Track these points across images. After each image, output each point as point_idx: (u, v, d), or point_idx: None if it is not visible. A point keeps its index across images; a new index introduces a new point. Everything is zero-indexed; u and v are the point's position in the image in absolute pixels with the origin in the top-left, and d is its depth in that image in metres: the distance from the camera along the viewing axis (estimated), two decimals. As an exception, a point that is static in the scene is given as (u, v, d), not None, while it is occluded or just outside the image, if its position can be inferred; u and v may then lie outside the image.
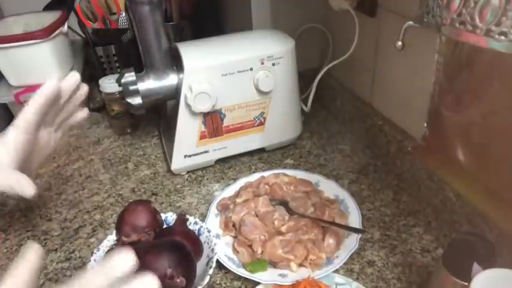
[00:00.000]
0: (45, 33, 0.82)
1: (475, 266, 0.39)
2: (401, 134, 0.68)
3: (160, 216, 0.54)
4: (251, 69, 0.69)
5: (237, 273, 0.54)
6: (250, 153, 0.79)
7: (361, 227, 0.59)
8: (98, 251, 0.52)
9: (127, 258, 0.39)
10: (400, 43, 0.43)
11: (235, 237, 0.60)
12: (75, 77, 0.58)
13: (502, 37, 0.29)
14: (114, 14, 1.07)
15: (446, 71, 0.56)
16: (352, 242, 0.56)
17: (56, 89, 0.54)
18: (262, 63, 0.69)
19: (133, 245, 0.49)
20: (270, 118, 0.75)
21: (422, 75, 0.61)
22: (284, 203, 0.63)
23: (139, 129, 0.92)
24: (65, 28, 0.90)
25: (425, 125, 0.63)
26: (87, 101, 0.99)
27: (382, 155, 0.74)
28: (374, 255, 0.57)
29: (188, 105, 0.67)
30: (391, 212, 0.64)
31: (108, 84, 0.84)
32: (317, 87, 0.82)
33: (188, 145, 0.72)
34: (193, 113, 0.69)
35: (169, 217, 0.57)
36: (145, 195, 0.72)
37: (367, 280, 0.54)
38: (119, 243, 0.49)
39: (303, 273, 0.53)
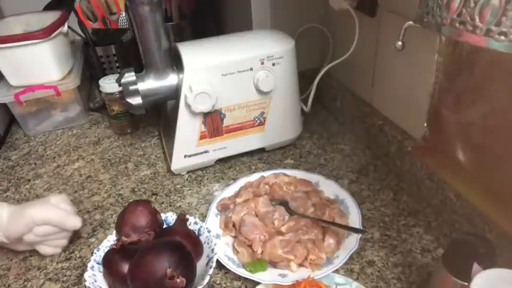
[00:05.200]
0: (45, 33, 0.82)
1: (475, 266, 0.39)
2: (401, 134, 0.68)
3: (160, 216, 0.54)
4: (251, 69, 0.69)
5: (237, 273, 0.54)
6: (250, 153, 0.79)
7: (361, 227, 0.59)
8: (98, 251, 0.52)
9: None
10: (400, 43, 0.43)
11: (235, 237, 0.60)
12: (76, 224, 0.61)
13: (502, 37, 0.30)
14: (114, 14, 1.07)
15: (446, 71, 0.56)
16: (352, 242, 0.56)
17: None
18: (262, 63, 0.69)
19: (134, 245, 0.49)
20: (270, 118, 0.75)
21: (422, 75, 0.61)
22: (284, 203, 0.63)
23: (139, 129, 0.92)
24: (65, 28, 0.90)
25: (425, 125, 0.63)
26: (87, 101, 1.00)
27: (382, 155, 0.74)
28: (374, 255, 0.57)
29: (188, 105, 0.67)
30: (391, 212, 0.64)
31: (108, 84, 0.84)
32: (317, 87, 0.82)
33: (188, 145, 0.72)
34: (193, 113, 0.69)
35: (169, 217, 0.57)
36: (146, 195, 0.72)
37: (367, 280, 0.54)
38: (119, 243, 0.49)
39: (303, 273, 0.53)
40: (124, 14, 1.05)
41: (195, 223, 0.56)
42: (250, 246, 0.57)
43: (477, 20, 0.30)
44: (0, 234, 0.57)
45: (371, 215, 0.64)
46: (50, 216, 0.58)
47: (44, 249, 0.60)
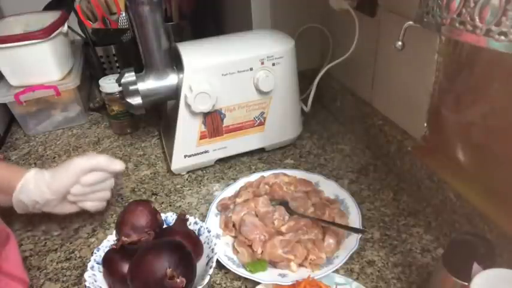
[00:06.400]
0: (45, 33, 0.82)
1: (475, 266, 0.39)
2: (401, 134, 0.68)
3: (160, 216, 0.54)
4: (251, 69, 0.69)
5: (237, 273, 0.54)
6: (250, 153, 0.79)
7: (361, 227, 0.59)
8: (98, 251, 0.52)
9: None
10: (400, 43, 0.43)
11: (235, 237, 0.60)
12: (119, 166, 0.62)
13: (502, 37, 0.29)
14: (114, 14, 1.07)
15: (446, 71, 0.56)
16: (352, 242, 0.56)
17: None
18: (262, 63, 0.69)
19: (134, 245, 0.49)
20: (270, 118, 0.75)
21: (422, 75, 0.61)
22: (284, 203, 0.63)
23: (139, 129, 0.92)
24: (65, 28, 0.90)
25: (425, 125, 0.63)
26: (87, 101, 1.00)
27: (382, 155, 0.74)
28: (374, 255, 0.57)
29: (188, 105, 0.67)
30: (391, 212, 0.64)
31: (108, 84, 0.84)
32: (317, 87, 0.82)
33: (188, 145, 0.72)
34: (193, 113, 0.69)
35: (169, 217, 0.57)
36: (145, 195, 0.72)
37: (367, 280, 0.54)
38: (119, 243, 0.49)
39: (303, 273, 0.53)
40: (124, 14, 1.05)
41: (195, 223, 0.56)
42: (250, 246, 0.57)
43: (477, 20, 0.30)
44: (46, 191, 0.57)
45: (371, 215, 0.64)
46: (95, 160, 0.60)
47: (89, 204, 0.62)
